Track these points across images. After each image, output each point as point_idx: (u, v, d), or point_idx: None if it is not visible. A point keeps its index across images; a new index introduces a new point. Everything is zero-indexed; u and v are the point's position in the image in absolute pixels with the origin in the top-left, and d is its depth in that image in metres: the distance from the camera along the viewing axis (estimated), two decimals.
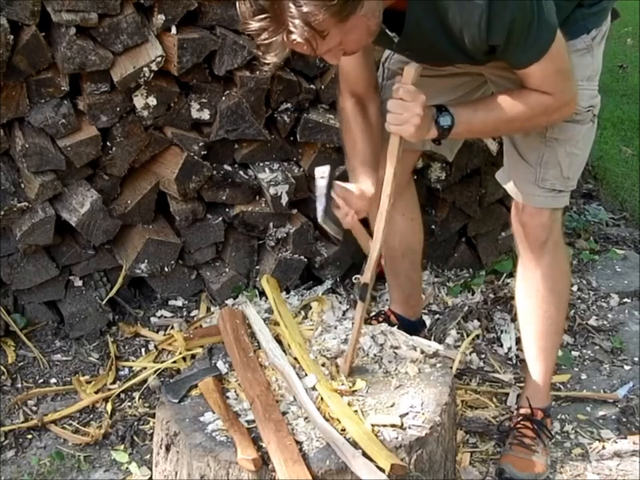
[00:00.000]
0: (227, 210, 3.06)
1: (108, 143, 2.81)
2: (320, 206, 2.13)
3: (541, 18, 1.87)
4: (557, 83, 2.01)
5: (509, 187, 2.35)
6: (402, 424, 2.01)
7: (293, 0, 1.66)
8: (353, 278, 2.16)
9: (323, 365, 2.22)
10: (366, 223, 2.40)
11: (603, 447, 2.56)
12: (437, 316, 3.09)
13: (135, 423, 2.62)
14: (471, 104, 2.14)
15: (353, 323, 2.22)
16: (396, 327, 2.45)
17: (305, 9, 1.66)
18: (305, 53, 1.79)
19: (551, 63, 1.95)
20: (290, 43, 1.73)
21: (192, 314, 3.11)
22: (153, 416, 2.47)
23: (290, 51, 1.77)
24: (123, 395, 2.74)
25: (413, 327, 2.74)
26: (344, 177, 2.94)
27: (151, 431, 2.55)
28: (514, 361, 2.91)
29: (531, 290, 2.39)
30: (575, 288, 3.26)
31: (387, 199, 2.05)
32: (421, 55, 2.05)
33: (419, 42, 1.99)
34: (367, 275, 2.14)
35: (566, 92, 2.04)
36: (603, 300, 3.28)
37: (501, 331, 3.04)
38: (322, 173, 2.15)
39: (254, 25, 1.71)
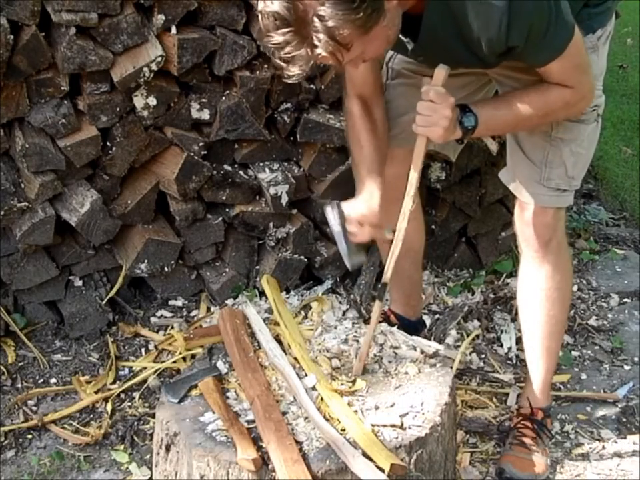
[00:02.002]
0: (227, 210, 3.06)
1: (108, 143, 2.81)
2: (343, 252, 2.19)
3: (559, 17, 1.88)
4: (575, 77, 2.02)
5: (513, 186, 2.35)
6: (402, 424, 2.01)
7: (318, 15, 1.64)
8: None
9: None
10: None
11: (603, 447, 2.56)
12: (436, 316, 3.09)
13: (135, 423, 2.62)
14: (491, 102, 2.15)
15: (352, 322, 2.22)
16: (396, 327, 2.45)
17: (330, 24, 1.65)
18: (330, 64, 1.79)
19: (568, 60, 1.96)
20: (314, 57, 1.71)
21: (192, 314, 3.11)
22: (153, 416, 2.47)
23: (314, 63, 1.75)
24: (123, 395, 2.74)
25: (413, 327, 2.74)
26: (343, 178, 2.97)
27: (151, 430, 2.55)
28: (514, 361, 2.91)
29: (535, 289, 2.39)
30: (575, 288, 3.26)
31: (410, 199, 2.06)
32: (434, 59, 2.05)
33: (434, 47, 2.00)
34: (386, 275, 2.14)
35: (584, 84, 2.06)
36: (603, 300, 3.28)
37: (501, 331, 3.04)
38: (332, 214, 2.18)
39: (277, 38, 1.69)
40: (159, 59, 2.67)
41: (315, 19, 1.65)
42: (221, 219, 3.05)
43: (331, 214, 2.19)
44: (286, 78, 1.78)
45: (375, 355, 2.27)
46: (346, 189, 2.93)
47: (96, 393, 2.74)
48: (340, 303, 3.04)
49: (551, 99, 2.04)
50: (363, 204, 2.19)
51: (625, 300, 3.28)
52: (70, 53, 2.61)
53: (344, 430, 1.98)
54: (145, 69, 2.67)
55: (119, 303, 3.09)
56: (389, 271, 2.14)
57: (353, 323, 2.43)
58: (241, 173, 3.01)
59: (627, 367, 2.92)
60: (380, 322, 2.61)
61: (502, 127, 2.18)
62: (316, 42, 1.68)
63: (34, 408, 2.70)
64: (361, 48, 1.76)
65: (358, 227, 2.17)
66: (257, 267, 3.15)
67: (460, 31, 1.90)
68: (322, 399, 2.09)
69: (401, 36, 1.97)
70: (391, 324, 2.55)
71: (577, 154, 2.26)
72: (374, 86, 2.30)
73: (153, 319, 3.08)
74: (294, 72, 1.75)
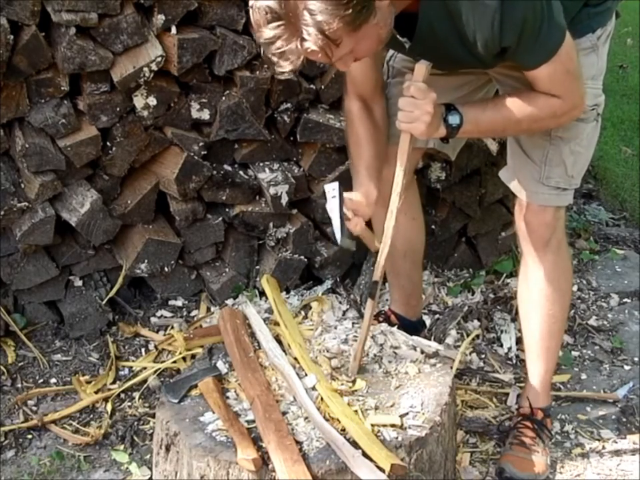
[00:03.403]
0: (227, 210, 3.06)
1: (108, 143, 2.81)
2: (336, 226, 2.16)
3: (551, 19, 1.88)
4: (566, 85, 2.01)
5: (513, 186, 2.35)
6: (402, 424, 2.01)
7: (308, 8, 1.67)
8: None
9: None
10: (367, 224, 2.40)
11: (603, 447, 2.56)
12: (436, 316, 3.09)
13: (135, 423, 2.62)
14: (479, 103, 2.15)
15: (352, 322, 2.22)
16: (396, 327, 2.45)
17: (319, 18, 1.67)
18: (319, 60, 1.80)
19: (559, 64, 1.95)
20: (304, 51, 1.73)
21: (192, 314, 3.11)
22: (153, 416, 2.47)
23: (305, 58, 1.77)
24: (123, 395, 2.74)
25: (413, 327, 2.74)
26: (343, 178, 2.97)
27: (151, 431, 2.55)
28: (514, 361, 2.91)
29: (535, 289, 2.39)
30: (575, 288, 3.26)
31: (397, 196, 2.06)
32: (432, 58, 2.05)
33: (431, 46, 1.99)
34: (377, 273, 2.14)
35: (574, 94, 2.04)
36: (603, 300, 3.28)
37: (501, 331, 3.04)
38: (332, 191, 2.16)
39: (268, 32, 1.72)
40: (159, 59, 2.67)
41: (305, 13, 1.68)
42: (220, 219, 3.05)
43: (330, 189, 2.16)
44: (278, 74, 1.80)
45: (375, 355, 2.27)
46: (346, 188, 2.94)
47: (96, 393, 2.74)
48: (340, 302, 3.04)
49: (539, 107, 2.03)
50: (362, 194, 2.18)
51: (625, 300, 3.28)
52: (70, 53, 2.61)
53: (344, 430, 1.98)
54: (145, 69, 2.67)
55: (118, 303, 3.09)
56: (379, 268, 2.14)
57: (353, 323, 2.43)
58: (241, 173, 3.01)
59: (627, 367, 2.92)
60: (380, 322, 2.61)
61: (490, 128, 2.17)
62: (305, 36, 1.70)
63: (34, 408, 2.70)
64: (351, 45, 1.77)
65: (352, 215, 2.16)
66: (257, 267, 3.15)
67: (457, 30, 1.90)
68: (322, 399, 2.09)
69: (398, 36, 1.97)
70: (391, 324, 2.55)
71: (577, 153, 2.26)
72: (375, 85, 2.30)
73: (153, 319, 3.08)
74: (285, 67, 1.77)
